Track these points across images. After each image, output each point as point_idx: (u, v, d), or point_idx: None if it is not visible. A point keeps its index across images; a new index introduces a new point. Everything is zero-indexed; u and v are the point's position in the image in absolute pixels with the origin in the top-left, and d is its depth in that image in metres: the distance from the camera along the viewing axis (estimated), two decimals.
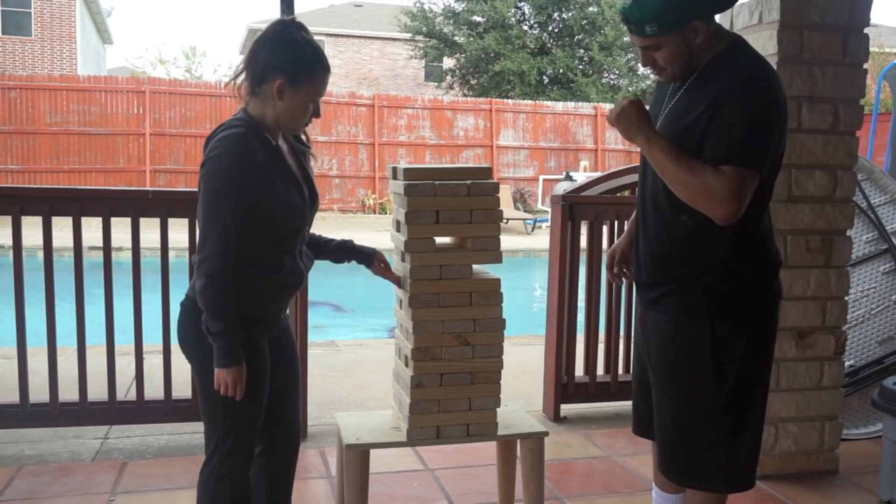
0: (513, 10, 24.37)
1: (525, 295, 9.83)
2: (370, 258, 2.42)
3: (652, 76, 21.30)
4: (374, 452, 2.48)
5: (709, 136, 1.99)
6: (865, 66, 3.32)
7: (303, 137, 2.26)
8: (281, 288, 2.15)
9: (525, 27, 24.87)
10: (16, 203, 3.43)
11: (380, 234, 13.67)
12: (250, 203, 2.00)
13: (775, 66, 3.16)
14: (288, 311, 2.33)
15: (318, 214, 2.28)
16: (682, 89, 2.12)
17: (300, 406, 2.38)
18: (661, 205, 2.13)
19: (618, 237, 4.17)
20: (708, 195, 1.95)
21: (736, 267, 2.08)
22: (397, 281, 2.43)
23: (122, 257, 3.76)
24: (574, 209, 4.02)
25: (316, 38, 2.12)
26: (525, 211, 17.83)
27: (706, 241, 2.07)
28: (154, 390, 3.84)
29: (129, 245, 3.56)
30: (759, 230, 2.11)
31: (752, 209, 2.02)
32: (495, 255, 2.39)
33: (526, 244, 13.59)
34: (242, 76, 2.11)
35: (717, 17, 3.53)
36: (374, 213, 18.09)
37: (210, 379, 2.07)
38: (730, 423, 2.13)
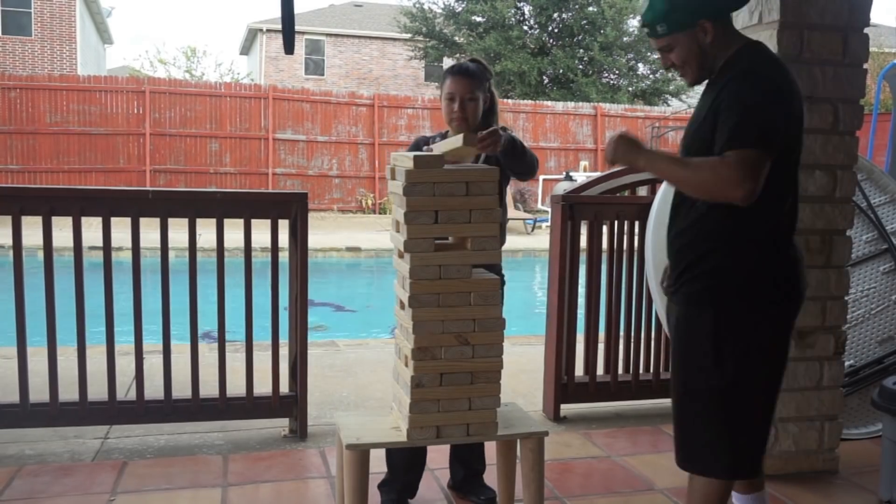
0: (513, 11, 24.36)
1: (525, 295, 9.83)
2: None
3: (650, 77, 21.25)
4: (374, 452, 2.48)
5: (715, 130, 2.07)
6: (865, 66, 3.32)
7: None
8: None
9: (525, 27, 24.87)
10: (16, 203, 3.43)
11: (379, 234, 13.66)
12: None
13: None
14: None
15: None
16: (707, 90, 2.23)
17: None
18: (682, 197, 2.23)
19: (618, 237, 4.18)
20: (719, 181, 2.01)
21: (741, 257, 2.13)
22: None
23: (122, 257, 3.76)
24: (574, 209, 4.02)
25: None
26: (525, 211, 17.82)
27: (713, 226, 2.14)
28: (154, 390, 3.84)
29: (129, 245, 3.56)
30: (769, 224, 2.14)
31: (761, 203, 2.05)
32: (495, 255, 2.39)
33: (526, 244, 13.58)
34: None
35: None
36: (374, 213, 18.09)
37: None
38: (728, 412, 2.17)
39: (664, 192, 4.13)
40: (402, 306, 2.43)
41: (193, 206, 3.62)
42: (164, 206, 3.56)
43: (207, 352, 4.19)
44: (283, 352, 3.80)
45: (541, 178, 18.89)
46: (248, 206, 3.67)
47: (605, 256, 4.18)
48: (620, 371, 4.22)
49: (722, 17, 2.17)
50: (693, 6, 2.12)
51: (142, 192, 3.71)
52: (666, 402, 4.30)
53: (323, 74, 29.49)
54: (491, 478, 2.96)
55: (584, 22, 24.04)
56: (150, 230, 3.56)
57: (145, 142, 16.84)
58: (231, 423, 3.82)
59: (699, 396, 2.21)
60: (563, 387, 4.08)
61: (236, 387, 3.80)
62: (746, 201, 2.00)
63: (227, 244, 3.67)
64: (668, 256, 2.32)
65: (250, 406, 3.76)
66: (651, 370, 4.25)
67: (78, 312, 3.50)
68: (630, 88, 24.63)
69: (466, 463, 3.11)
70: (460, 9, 25.03)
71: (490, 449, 2.78)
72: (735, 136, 2.01)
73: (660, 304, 4.01)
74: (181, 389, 3.68)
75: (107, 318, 3.52)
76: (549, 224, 4.38)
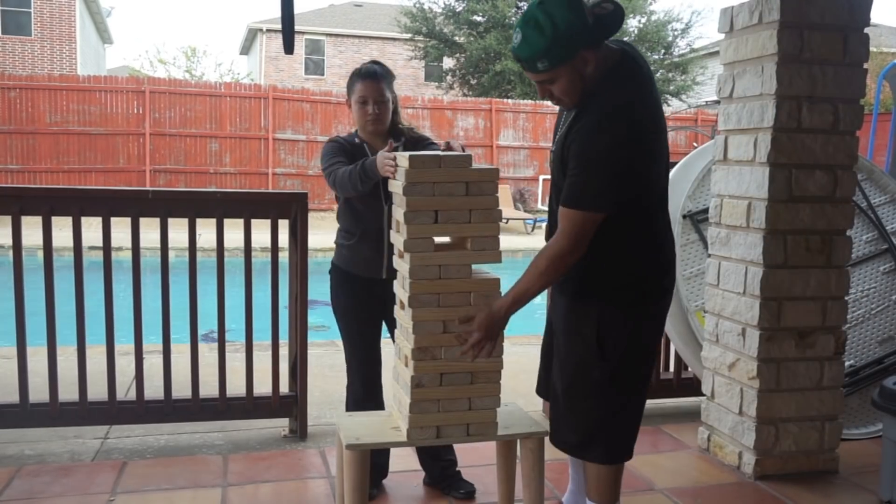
0: (513, 10, 24.35)
1: None
2: None
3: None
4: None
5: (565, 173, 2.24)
6: (865, 66, 3.32)
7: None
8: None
9: None
10: (16, 203, 3.43)
11: None
12: None
13: (775, 66, 3.16)
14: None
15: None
16: (571, 113, 2.31)
17: None
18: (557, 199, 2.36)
19: None
20: (559, 265, 2.23)
21: (620, 259, 2.30)
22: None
23: (122, 257, 3.76)
24: None
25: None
26: (525, 211, 17.82)
27: (593, 244, 2.25)
28: (154, 390, 3.84)
29: (129, 245, 3.56)
30: (635, 239, 2.30)
31: (622, 226, 2.24)
32: (495, 255, 2.39)
33: (526, 244, 13.57)
34: None
35: (718, 16, 3.53)
36: None
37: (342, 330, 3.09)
38: (610, 402, 2.36)
39: None
40: (402, 306, 2.43)
41: (193, 206, 3.62)
42: (164, 206, 3.56)
43: (207, 352, 4.19)
44: (283, 352, 3.80)
45: (540, 178, 18.89)
46: (248, 206, 3.67)
47: None
48: None
49: (598, 41, 2.17)
50: (572, 39, 2.10)
51: (142, 192, 3.71)
52: (667, 403, 4.31)
53: (323, 74, 29.49)
54: (491, 478, 2.96)
55: None
56: (150, 230, 3.56)
57: (145, 142, 16.83)
58: (231, 423, 3.82)
59: (585, 387, 2.36)
60: None
61: (236, 387, 3.80)
62: (576, 258, 2.22)
63: (227, 244, 3.67)
64: None
65: (250, 406, 3.76)
66: None
67: (78, 312, 3.50)
68: None
69: (435, 455, 3.12)
70: (461, 8, 25.01)
71: (490, 449, 2.78)
72: (569, 196, 2.19)
73: None
74: (181, 389, 3.68)
75: (107, 318, 3.52)
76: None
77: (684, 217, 4.02)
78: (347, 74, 3.06)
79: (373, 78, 2.93)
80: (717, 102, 3.63)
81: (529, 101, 20.44)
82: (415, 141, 3.01)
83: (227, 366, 3.71)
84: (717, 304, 3.52)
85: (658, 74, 25.38)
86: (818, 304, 3.31)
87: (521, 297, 2.29)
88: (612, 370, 2.33)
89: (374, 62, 3.04)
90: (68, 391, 3.58)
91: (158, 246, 3.60)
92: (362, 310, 3.06)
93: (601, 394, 2.35)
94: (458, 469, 3.15)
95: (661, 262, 2.37)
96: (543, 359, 2.65)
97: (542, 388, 2.66)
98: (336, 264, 3.09)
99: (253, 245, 3.67)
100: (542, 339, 2.69)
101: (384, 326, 3.13)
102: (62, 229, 3.53)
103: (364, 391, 3.11)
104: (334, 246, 3.15)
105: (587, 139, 2.17)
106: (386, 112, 2.96)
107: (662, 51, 25.28)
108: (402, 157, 2.34)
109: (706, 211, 3.83)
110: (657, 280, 2.37)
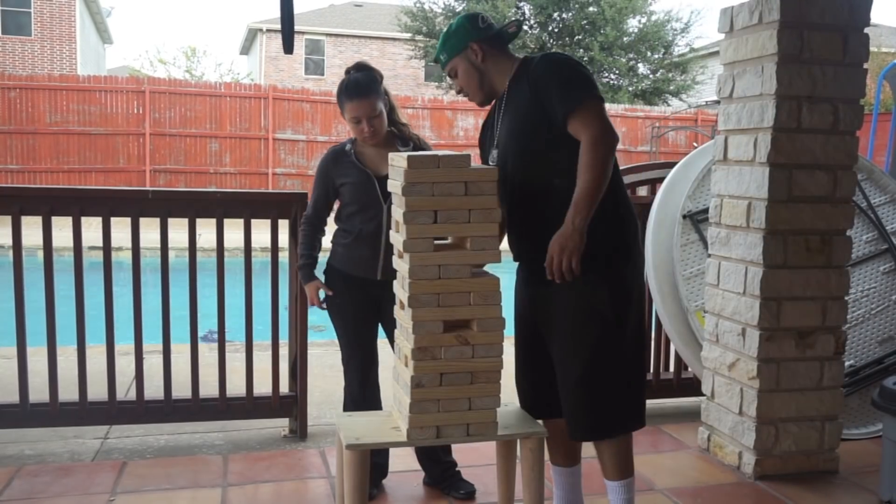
0: (513, 10, 24.35)
1: None
2: None
3: (651, 77, 21.21)
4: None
5: (547, 108, 2.35)
6: (865, 66, 3.32)
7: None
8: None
9: (525, 27, 24.86)
10: (16, 203, 3.43)
11: None
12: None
13: (775, 66, 3.17)
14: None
15: None
16: (503, 106, 2.52)
17: None
18: (532, 181, 2.42)
19: None
20: (599, 146, 2.27)
21: (607, 220, 2.36)
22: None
23: (122, 257, 3.76)
24: None
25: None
26: None
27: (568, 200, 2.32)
28: (154, 390, 3.84)
29: (129, 245, 3.56)
30: (612, 197, 2.38)
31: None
32: (494, 255, 2.38)
33: None
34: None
35: (719, 18, 3.53)
36: None
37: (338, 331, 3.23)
38: (631, 363, 2.45)
39: (664, 194, 4.13)
40: (402, 306, 2.43)
41: (193, 206, 3.62)
42: (164, 206, 3.56)
43: (207, 352, 4.19)
44: (283, 352, 3.81)
45: None
46: (248, 206, 3.67)
47: None
48: None
49: (490, 41, 2.50)
50: (461, 33, 2.51)
51: (142, 192, 3.71)
52: (667, 403, 4.31)
53: (323, 74, 29.48)
54: (490, 477, 2.96)
55: (585, 22, 24.00)
56: (150, 230, 3.56)
57: (145, 142, 16.83)
58: (231, 423, 3.82)
59: (608, 360, 2.40)
60: None
61: (236, 387, 3.80)
62: (617, 142, 2.33)
63: (227, 244, 3.68)
64: (538, 247, 2.37)
65: (250, 406, 3.76)
66: (651, 370, 4.25)
67: (78, 312, 3.50)
68: (630, 88, 24.59)
69: (433, 456, 3.13)
70: (461, 8, 24.99)
71: (490, 449, 2.78)
72: (570, 101, 2.31)
73: (660, 304, 4.01)
74: (181, 389, 3.68)
75: (107, 318, 3.52)
76: None
77: (684, 217, 4.02)
78: None
79: (360, 95, 2.89)
80: (717, 102, 3.63)
81: None
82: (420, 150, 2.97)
83: (227, 366, 3.71)
84: (717, 304, 3.52)
85: (658, 74, 25.38)
86: (818, 304, 3.31)
87: (581, 199, 2.26)
88: (629, 332, 2.41)
89: (358, 68, 3.00)
90: (68, 391, 3.58)
91: (158, 246, 3.60)
92: (358, 309, 3.08)
93: (625, 360, 2.43)
94: (458, 469, 3.15)
95: (633, 212, 2.51)
96: (529, 375, 2.68)
97: (533, 405, 2.66)
98: (331, 264, 3.09)
99: (253, 245, 3.67)
100: (515, 365, 2.70)
101: (380, 327, 3.13)
102: (62, 229, 3.53)
103: (361, 391, 3.12)
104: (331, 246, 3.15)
105: (547, 67, 2.38)
106: (381, 124, 2.94)
107: (662, 50, 25.26)
108: (401, 158, 2.34)
109: (706, 211, 3.83)
110: (636, 230, 2.50)
